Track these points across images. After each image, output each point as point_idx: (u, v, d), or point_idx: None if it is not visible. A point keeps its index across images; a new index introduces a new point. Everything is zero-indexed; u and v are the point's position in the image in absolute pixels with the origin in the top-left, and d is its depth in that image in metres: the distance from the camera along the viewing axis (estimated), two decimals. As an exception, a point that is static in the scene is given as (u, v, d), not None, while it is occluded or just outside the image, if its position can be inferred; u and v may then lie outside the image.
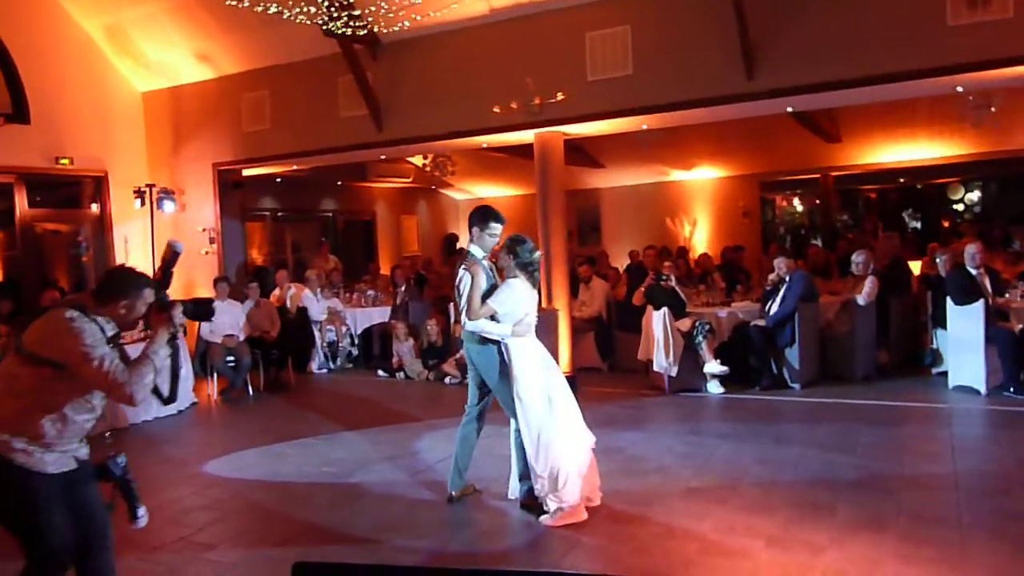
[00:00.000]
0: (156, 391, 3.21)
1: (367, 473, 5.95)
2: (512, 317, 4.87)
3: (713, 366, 8.01)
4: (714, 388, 8.16)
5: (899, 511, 4.66)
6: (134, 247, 11.20)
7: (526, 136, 8.82)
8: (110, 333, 3.09)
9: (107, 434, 3.58)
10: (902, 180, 14.24)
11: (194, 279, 11.14)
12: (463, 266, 4.98)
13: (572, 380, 8.40)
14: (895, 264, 9.31)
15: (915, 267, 10.23)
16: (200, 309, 3.48)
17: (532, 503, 4.88)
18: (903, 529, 4.38)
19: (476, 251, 5.04)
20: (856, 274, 8.62)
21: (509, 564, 4.28)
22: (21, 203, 10.31)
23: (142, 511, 3.34)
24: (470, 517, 5.00)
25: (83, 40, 10.74)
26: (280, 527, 5.00)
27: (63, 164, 10.38)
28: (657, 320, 8.15)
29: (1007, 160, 12.18)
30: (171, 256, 3.33)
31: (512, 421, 4.94)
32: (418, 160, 14.55)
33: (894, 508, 4.71)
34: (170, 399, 3.32)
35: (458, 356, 9.46)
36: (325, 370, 10.71)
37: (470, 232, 5.11)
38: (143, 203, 11.02)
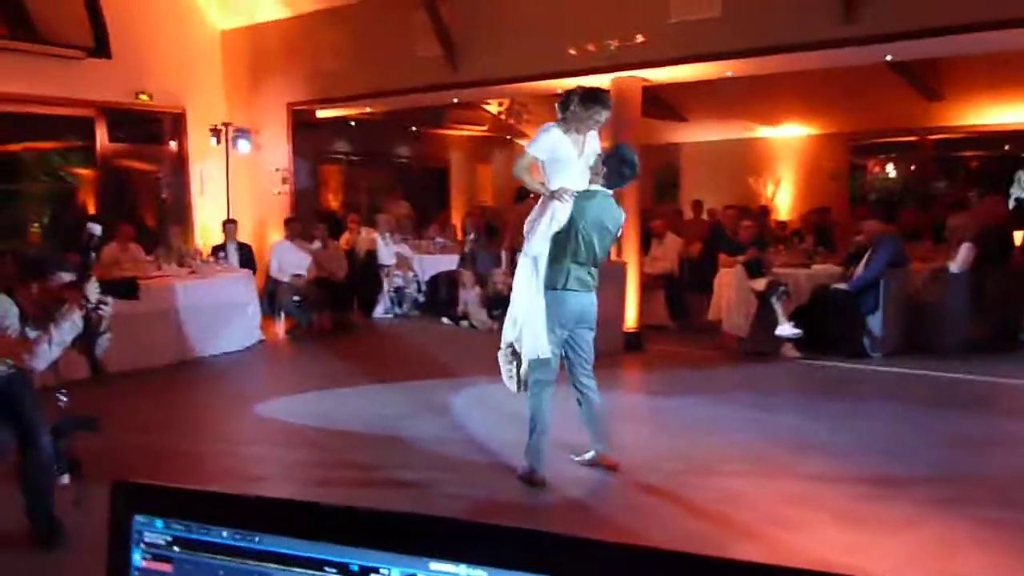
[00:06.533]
0: (93, 365, 3.55)
1: (422, 420, 5.86)
2: None
3: (785, 328, 7.61)
4: (788, 352, 7.77)
5: (982, 494, 4.28)
6: (210, 185, 11.34)
7: (603, 81, 8.45)
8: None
9: (62, 390, 3.81)
10: (1007, 147, 13.23)
11: (266, 219, 11.24)
12: None
13: (637, 336, 8.21)
14: (996, 231, 8.65)
15: (1018, 238, 9.50)
16: (122, 288, 3.71)
17: (601, 461, 4.66)
18: (985, 514, 4.01)
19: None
20: (951, 240, 8.04)
21: (554, 518, 4.12)
22: (102, 138, 10.51)
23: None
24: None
25: (164, -25, 10.80)
26: (330, 467, 4.97)
27: (143, 100, 10.52)
28: (730, 279, 7.79)
29: None
30: (88, 238, 3.60)
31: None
32: (493, 107, 14.28)
33: (976, 491, 4.34)
34: (94, 370, 3.63)
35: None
36: (391, 315, 10.71)
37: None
38: (219, 141, 11.12)
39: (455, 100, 11.98)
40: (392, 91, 10.10)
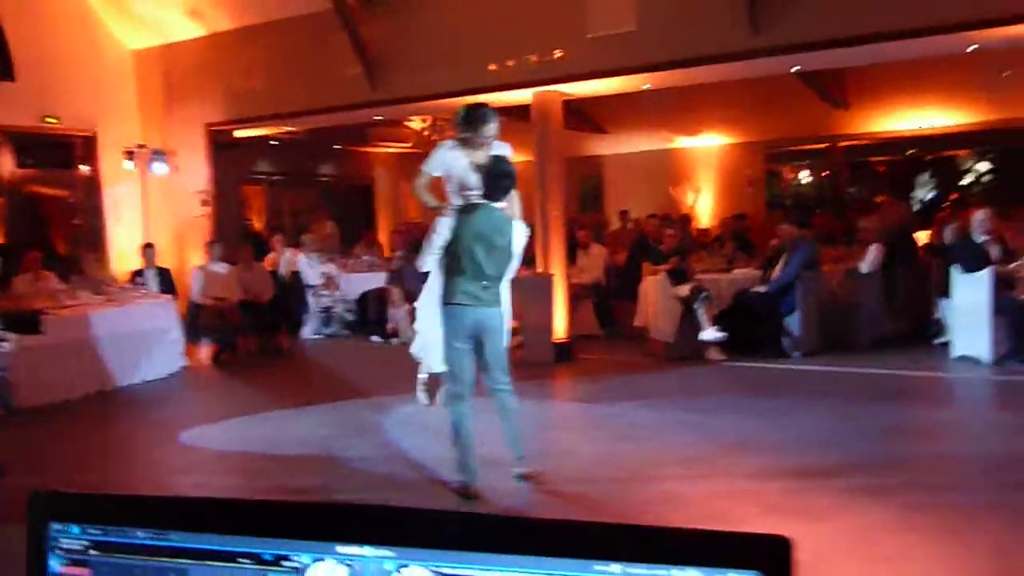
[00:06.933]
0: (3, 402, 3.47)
1: (356, 440, 5.78)
2: None
3: (710, 333, 7.81)
4: (713, 355, 7.97)
5: (900, 480, 4.49)
6: (126, 209, 11.00)
7: (524, 96, 8.57)
8: None
9: None
10: (913, 151, 13.87)
11: (186, 242, 10.97)
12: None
13: (568, 347, 8.29)
14: (901, 231, 9.08)
15: (923, 237, 9.98)
16: (22, 322, 3.60)
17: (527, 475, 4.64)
18: (904, 498, 4.20)
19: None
20: (862, 242, 8.41)
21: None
22: (8, 163, 10.09)
23: None
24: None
25: (70, -6, 10.47)
26: (265, 492, 4.82)
27: (51, 123, 10.15)
28: (654, 286, 7.96)
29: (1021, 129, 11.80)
30: None
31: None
32: (417, 124, 14.27)
33: (895, 477, 4.54)
34: (5, 406, 3.48)
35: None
36: (320, 335, 10.56)
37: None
38: (134, 164, 10.80)
39: (377, 118, 11.94)
40: (312, 110, 10.00)
